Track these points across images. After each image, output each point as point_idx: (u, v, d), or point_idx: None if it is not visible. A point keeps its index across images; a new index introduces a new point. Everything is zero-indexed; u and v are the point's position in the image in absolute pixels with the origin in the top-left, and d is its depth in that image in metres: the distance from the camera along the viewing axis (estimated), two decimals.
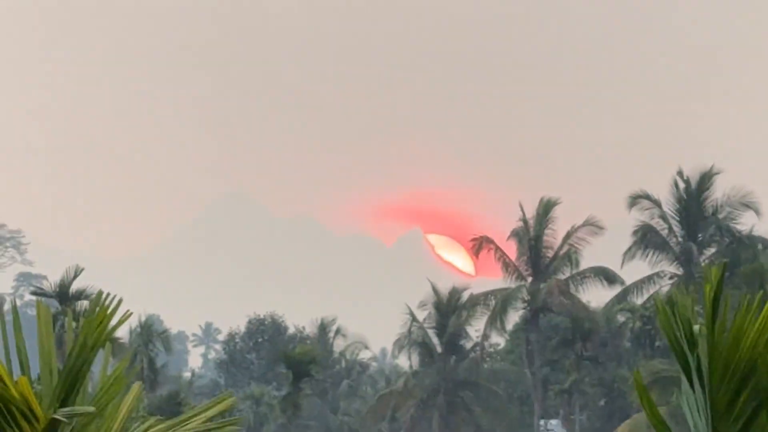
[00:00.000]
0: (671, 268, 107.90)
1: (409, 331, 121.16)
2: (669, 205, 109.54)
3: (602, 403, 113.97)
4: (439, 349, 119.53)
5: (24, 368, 12.41)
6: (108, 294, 12.54)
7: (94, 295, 13.96)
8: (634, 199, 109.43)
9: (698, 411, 12.95)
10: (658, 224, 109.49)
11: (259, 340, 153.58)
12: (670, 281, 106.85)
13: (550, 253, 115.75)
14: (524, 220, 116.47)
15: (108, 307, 12.35)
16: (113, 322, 12.41)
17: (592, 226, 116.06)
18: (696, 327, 12.76)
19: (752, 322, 12.52)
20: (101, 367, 12.59)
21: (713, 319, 12.57)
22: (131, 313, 12.98)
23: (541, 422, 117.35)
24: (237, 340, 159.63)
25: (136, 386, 12.98)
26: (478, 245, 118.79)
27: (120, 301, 12.51)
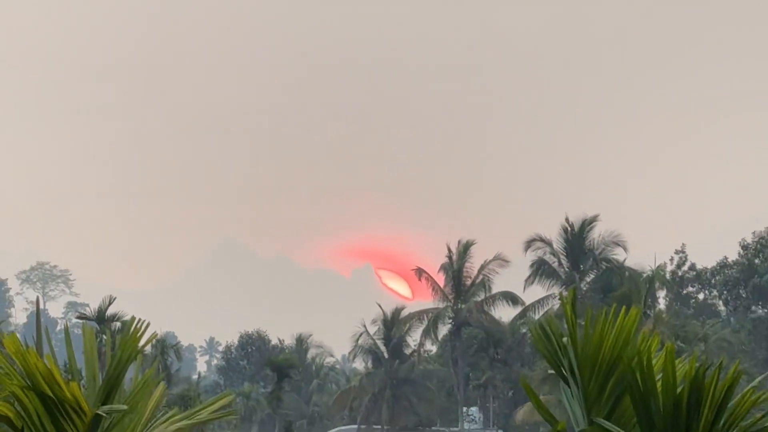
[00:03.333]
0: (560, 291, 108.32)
1: (357, 342, 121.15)
2: (558, 244, 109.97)
3: (510, 394, 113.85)
4: (386, 355, 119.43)
5: (74, 375, 12.52)
6: (139, 319, 12.70)
7: (125, 318, 14.10)
8: (529, 242, 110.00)
9: (575, 401, 13.15)
10: (550, 258, 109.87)
11: (249, 350, 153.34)
12: (559, 301, 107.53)
13: (469, 281, 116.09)
14: (449, 257, 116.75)
15: (138, 329, 12.51)
16: (142, 340, 12.57)
17: (500, 260, 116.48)
18: (565, 339, 12.98)
19: (610, 328, 12.76)
20: (134, 374, 12.72)
21: (574, 329, 12.81)
22: (156, 335, 13.15)
23: (464, 409, 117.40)
24: (232, 350, 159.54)
25: (162, 386, 13.10)
26: (418, 274, 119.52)
27: (148, 325, 12.66)
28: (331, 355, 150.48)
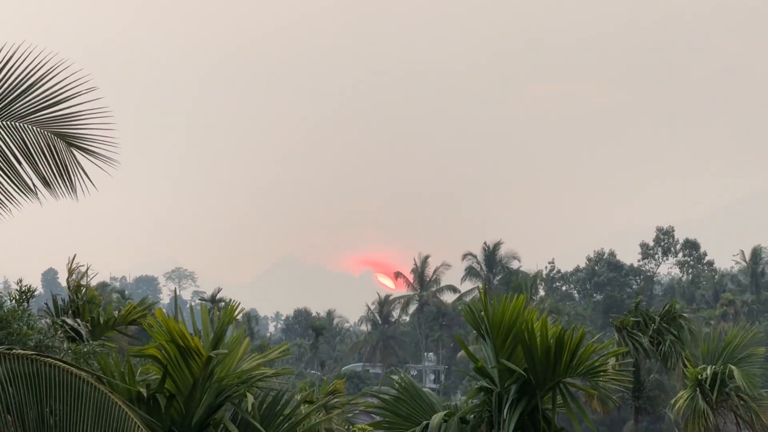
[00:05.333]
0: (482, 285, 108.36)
1: (367, 315, 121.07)
2: (480, 256, 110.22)
3: (451, 345, 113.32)
4: (380, 322, 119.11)
5: (196, 333, 12.49)
6: (233, 300, 12.71)
7: (228, 300, 14.11)
8: (464, 255, 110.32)
9: (489, 349, 13.12)
10: (476, 265, 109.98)
11: (300, 319, 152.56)
12: (479, 291, 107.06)
13: (427, 279, 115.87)
14: (416, 265, 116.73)
15: (233, 306, 12.51)
16: (236, 312, 12.57)
17: (446, 265, 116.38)
18: (482, 312, 12.97)
19: (508, 306, 12.75)
20: (231, 332, 12.70)
21: (486, 306, 12.79)
22: (243, 309, 13.10)
23: (425, 354, 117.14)
24: (290, 319, 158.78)
25: (247, 340, 13.05)
26: (397, 275, 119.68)
27: (238, 304, 12.67)
28: (347, 322, 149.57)
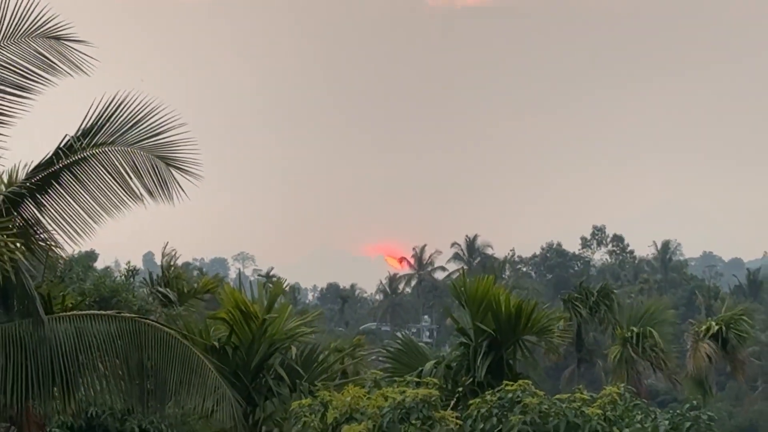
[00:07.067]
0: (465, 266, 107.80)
1: (380, 288, 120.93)
2: (464, 245, 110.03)
3: (441, 310, 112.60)
4: (389, 292, 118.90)
5: (254, 301, 12.56)
6: (281, 277, 12.82)
7: (278, 277, 14.20)
8: (452, 244, 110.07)
9: (467, 315, 13.07)
10: (460, 252, 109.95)
11: (331, 291, 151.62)
12: (460, 272, 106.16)
13: (424, 261, 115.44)
14: (415, 251, 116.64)
15: (281, 281, 12.59)
16: (284, 286, 12.63)
17: (438, 252, 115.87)
18: (462, 288, 12.97)
19: (481, 283, 12.75)
20: (280, 301, 12.76)
21: (465, 283, 12.79)
22: (289, 284, 13.19)
23: (423, 316, 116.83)
24: (324, 290, 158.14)
25: (291, 307, 13.12)
26: (401, 259, 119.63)
27: (285, 280, 12.79)
28: (366, 293, 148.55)
